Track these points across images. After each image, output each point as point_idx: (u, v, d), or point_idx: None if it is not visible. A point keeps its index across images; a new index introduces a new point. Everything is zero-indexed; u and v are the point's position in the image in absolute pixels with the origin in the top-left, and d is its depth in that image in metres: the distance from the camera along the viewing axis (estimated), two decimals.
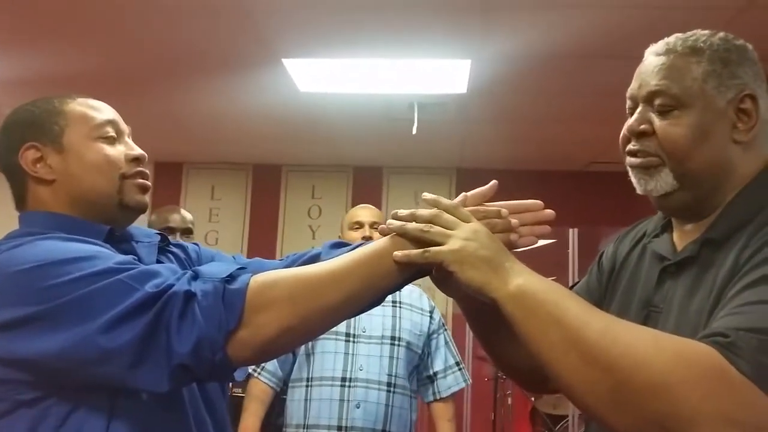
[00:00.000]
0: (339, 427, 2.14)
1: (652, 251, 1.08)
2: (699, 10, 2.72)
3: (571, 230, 3.29)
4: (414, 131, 3.96)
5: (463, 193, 1.04)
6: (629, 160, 1.07)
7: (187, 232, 2.65)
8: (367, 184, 5.42)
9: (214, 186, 5.56)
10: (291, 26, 2.96)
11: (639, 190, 1.06)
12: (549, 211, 1.05)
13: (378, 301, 1.04)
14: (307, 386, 2.20)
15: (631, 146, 1.06)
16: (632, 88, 1.08)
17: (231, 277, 0.93)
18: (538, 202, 1.05)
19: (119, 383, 0.92)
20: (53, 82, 3.60)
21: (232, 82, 3.64)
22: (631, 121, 1.05)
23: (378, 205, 5.46)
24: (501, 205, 1.02)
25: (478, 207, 1.00)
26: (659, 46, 1.09)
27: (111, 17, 2.92)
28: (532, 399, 3.46)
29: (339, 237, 2.44)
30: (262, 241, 5.45)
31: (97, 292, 0.91)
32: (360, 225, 2.35)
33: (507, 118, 4.18)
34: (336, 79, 3.53)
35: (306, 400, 2.19)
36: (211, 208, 5.51)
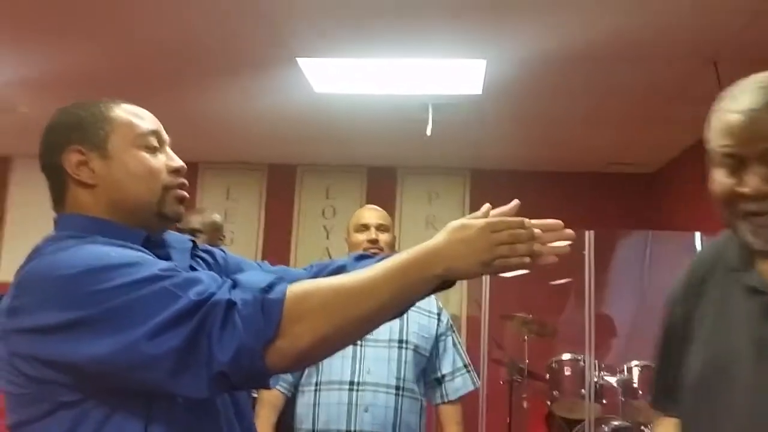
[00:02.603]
0: (348, 431, 2.14)
1: (745, 285, 1.08)
2: (713, 14, 2.69)
3: (587, 232, 3.26)
4: (429, 132, 3.95)
5: (487, 205, 1.06)
6: (755, 220, 1.04)
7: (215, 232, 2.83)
8: (381, 184, 5.42)
9: (230, 186, 5.59)
10: (306, 26, 2.96)
11: (757, 246, 1.05)
12: (569, 231, 1.07)
13: (404, 310, 1.06)
14: (315, 390, 2.19)
15: (752, 207, 1.04)
16: (733, 145, 1.04)
17: (269, 287, 0.95)
18: (559, 222, 1.06)
19: (160, 389, 0.93)
20: (68, 82, 3.64)
21: (248, 82, 3.65)
22: (753, 183, 1.03)
23: (392, 206, 5.48)
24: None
25: (503, 219, 1.01)
26: (750, 101, 1.05)
27: (126, 16, 2.94)
28: (548, 402, 3.43)
29: (345, 238, 2.42)
30: (277, 240, 5.46)
31: (143, 298, 0.92)
32: (366, 227, 2.29)
33: (522, 119, 4.16)
34: (351, 79, 3.53)
35: (315, 404, 2.18)
36: (227, 207, 5.53)
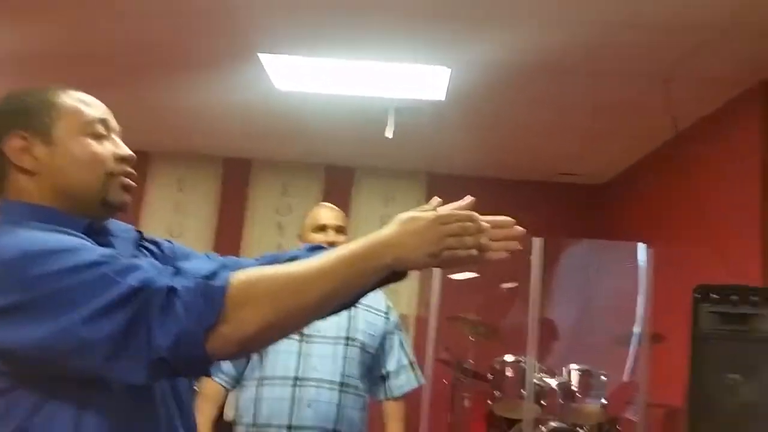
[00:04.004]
0: (289, 427, 2.13)
1: None
2: (666, 34, 2.80)
3: (535, 239, 3.34)
4: (390, 135, 3.98)
5: (436, 198, 1.08)
6: None
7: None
8: (338, 183, 5.43)
9: (182, 177, 5.50)
10: (269, 22, 2.96)
11: None
12: (520, 228, 1.09)
13: (353, 300, 1.07)
14: (258, 385, 2.19)
15: None
16: None
17: (212, 274, 0.95)
18: (510, 219, 1.09)
19: (97, 374, 0.93)
20: (23, 63, 3.54)
21: (207, 74, 3.62)
22: None
23: (347, 206, 5.49)
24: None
25: (452, 211, 1.04)
26: None
27: (88, 2, 2.89)
28: (490, 402, 3.50)
29: (298, 235, 2.38)
30: (230, 234, 5.42)
31: (80, 284, 0.92)
32: (324, 228, 2.28)
33: (481, 127, 4.24)
34: (313, 77, 3.54)
35: (256, 399, 2.18)
36: (178, 199, 5.46)
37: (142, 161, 5.38)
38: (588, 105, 3.71)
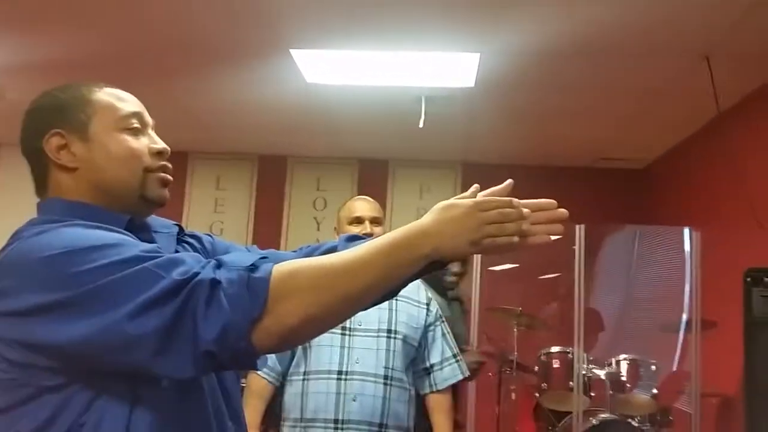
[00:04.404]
0: (335, 420, 2.12)
1: None
2: (705, 9, 2.70)
3: (577, 226, 3.28)
4: (421, 124, 3.94)
5: (476, 185, 1.04)
6: None
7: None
8: (372, 176, 5.41)
9: (220, 176, 5.56)
10: (300, 16, 2.95)
11: None
12: (562, 210, 1.05)
13: (394, 290, 1.05)
14: (303, 380, 2.19)
15: None
16: None
17: (254, 266, 0.94)
18: (552, 201, 1.05)
19: (144, 370, 0.93)
20: (57, 68, 3.59)
21: (240, 71, 3.63)
22: None
23: (383, 198, 5.47)
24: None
25: (492, 198, 1.01)
26: None
27: (116, 3, 2.92)
28: (537, 395, 3.45)
29: (334, 229, 2.39)
30: (267, 231, 5.45)
31: (124, 279, 0.92)
32: (360, 220, 2.28)
33: (514, 113, 4.17)
34: (344, 70, 3.52)
35: (303, 393, 2.18)
36: (217, 197, 5.51)
37: (182, 161, 5.44)
38: (627, 87, 3.61)
